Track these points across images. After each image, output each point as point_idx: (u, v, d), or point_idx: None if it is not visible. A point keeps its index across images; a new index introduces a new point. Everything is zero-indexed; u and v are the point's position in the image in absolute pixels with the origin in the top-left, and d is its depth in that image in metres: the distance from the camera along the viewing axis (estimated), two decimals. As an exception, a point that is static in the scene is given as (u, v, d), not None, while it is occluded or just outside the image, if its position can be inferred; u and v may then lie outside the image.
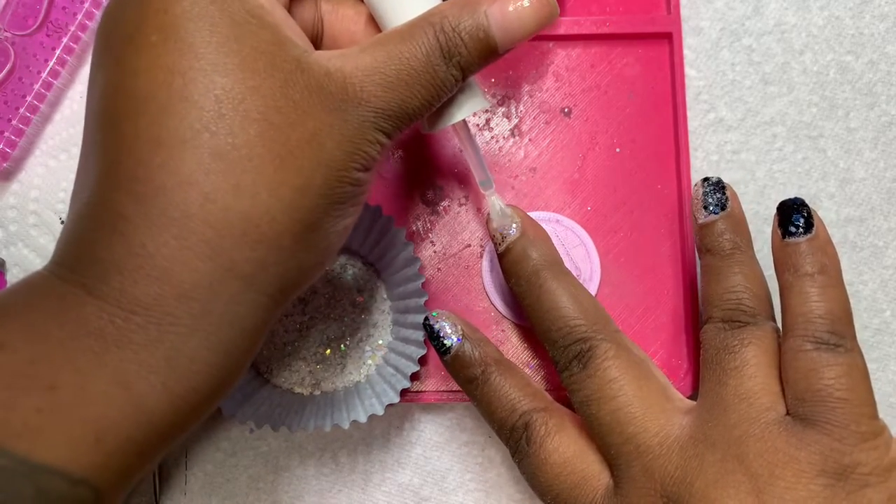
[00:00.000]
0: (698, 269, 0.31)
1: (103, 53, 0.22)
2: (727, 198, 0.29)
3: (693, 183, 0.31)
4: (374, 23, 0.26)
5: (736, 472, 0.24)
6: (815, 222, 0.27)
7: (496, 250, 0.30)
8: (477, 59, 0.24)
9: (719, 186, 0.29)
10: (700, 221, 0.29)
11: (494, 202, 0.30)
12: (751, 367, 0.26)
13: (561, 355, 0.28)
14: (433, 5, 0.24)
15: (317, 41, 0.27)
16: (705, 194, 0.29)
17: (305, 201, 0.21)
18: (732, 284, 0.28)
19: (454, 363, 0.30)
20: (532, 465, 0.28)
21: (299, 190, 0.21)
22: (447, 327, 0.30)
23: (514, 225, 0.30)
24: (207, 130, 0.20)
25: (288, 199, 0.21)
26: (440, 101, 0.24)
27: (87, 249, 0.20)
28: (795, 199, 0.28)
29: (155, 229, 0.20)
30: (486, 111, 0.36)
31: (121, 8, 0.22)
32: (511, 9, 0.23)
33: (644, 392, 0.27)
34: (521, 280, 0.29)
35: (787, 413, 0.26)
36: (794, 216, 0.27)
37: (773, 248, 0.28)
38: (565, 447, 0.28)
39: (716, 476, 0.24)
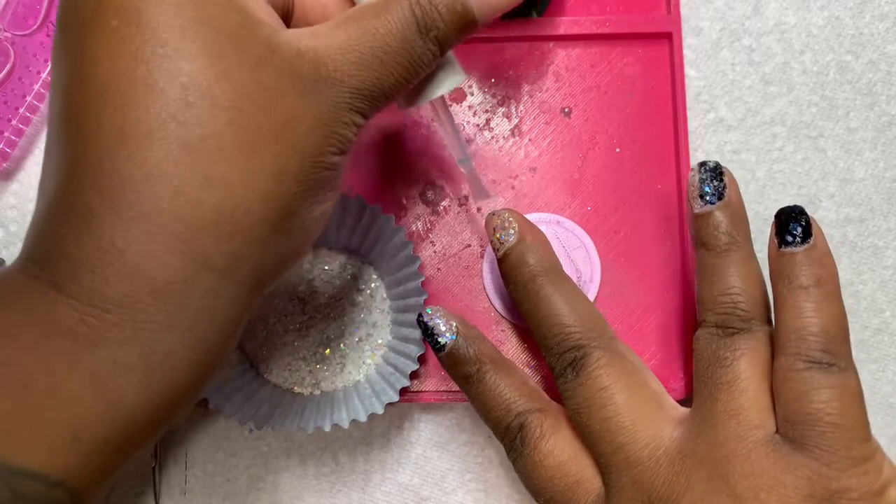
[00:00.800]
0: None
1: (63, 40, 0.21)
2: (725, 186, 0.27)
3: (693, 166, 0.29)
4: None
5: (721, 493, 0.24)
6: (814, 231, 0.26)
7: (495, 255, 0.30)
8: (455, 33, 0.23)
9: (717, 172, 0.27)
10: (696, 211, 0.28)
11: (474, 179, 0.30)
12: (742, 381, 0.26)
13: (556, 362, 0.28)
14: None
15: (287, 16, 0.25)
16: (702, 181, 0.27)
17: (281, 189, 0.20)
18: (727, 286, 0.27)
19: (449, 360, 0.29)
20: (526, 466, 0.28)
21: (273, 178, 0.20)
22: (441, 324, 0.29)
23: (511, 230, 0.29)
24: (174, 120, 0.19)
25: (262, 189, 0.20)
26: (418, 78, 0.23)
27: (55, 245, 0.20)
28: (794, 206, 0.26)
29: (124, 225, 0.19)
30: (486, 111, 0.36)
31: None
32: None
33: (635, 401, 0.27)
34: (519, 285, 0.29)
35: (777, 431, 0.25)
36: (791, 224, 0.26)
37: (769, 256, 0.27)
38: (560, 450, 0.27)
39: (702, 495, 0.24)
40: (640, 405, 0.27)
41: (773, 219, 0.27)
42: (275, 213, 0.21)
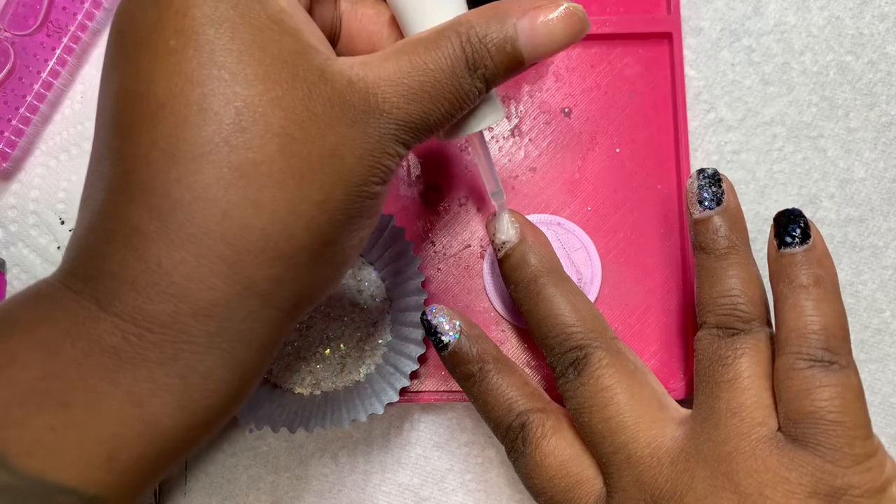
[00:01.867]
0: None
1: (118, 53, 0.21)
2: (723, 191, 0.28)
3: (692, 173, 0.30)
4: (394, 24, 0.25)
5: (725, 490, 0.24)
6: (812, 233, 0.26)
7: (496, 255, 0.30)
8: (502, 72, 0.23)
9: (715, 179, 0.28)
10: (695, 217, 0.28)
11: (503, 216, 0.30)
12: (744, 379, 0.26)
13: (557, 362, 0.28)
14: (460, 13, 0.23)
15: (334, 41, 0.26)
16: (700, 188, 0.28)
17: (324, 217, 0.21)
18: (727, 288, 0.27)
19: (451, 359, 0.29)
20: (527, 465, 0.28)
21: (318, 206, 0.20)
22: (444, 323, 0.29)
23: (513, 231, 0.30)
24: (227, 144, 0.19)
25: (307, 216, 0.20)
26: (462, 113, 0.23)
27: (99, 262, 0.20)
28: (793, 209, 0.27)
29: (172, 245, 0.19)
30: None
31: (137, 6, 0.21)
32: (541, 21, 0.22)
33: (637, 401, 0.27)
34: (520, 286, 0.29)
35: (779, 429, 0.25)
36: (790, 226, 0.26)
37: (768, 258, 0.27)
38: (561, 450, 0.28)
39: (705, 492, 0.24)
40: (642, 405, 0.27)
41: (771, 223, 0.27)
42: (317, 240, 0.21)
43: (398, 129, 0.22)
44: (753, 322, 0.27)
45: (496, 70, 0.23)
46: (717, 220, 0.28)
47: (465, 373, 0.29)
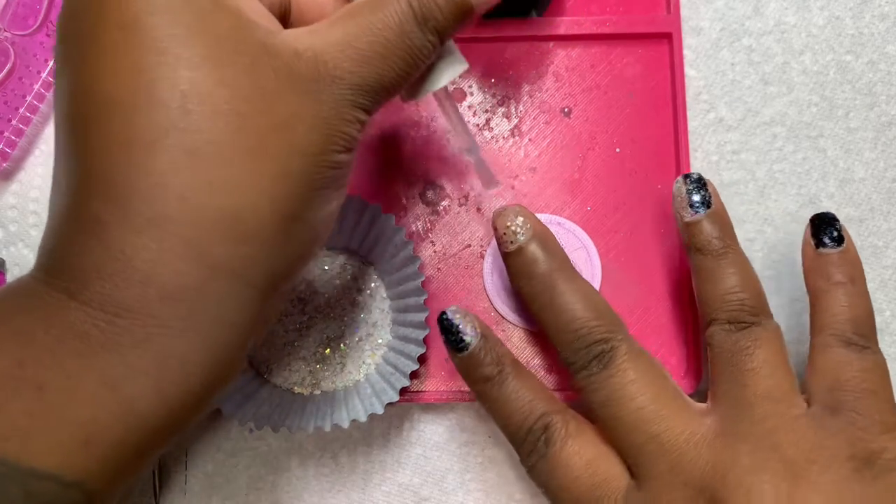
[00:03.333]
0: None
1: (65, 53, 0.21)
2: (710, 194, 0.29)
3: (677, 179, 0.31)
4: None
5: (770, 460, 0.25)
6: (846, 237, 0.29)
7: (504, 249, 0.30)
8: (453, 22, 0.23)
9: (701, 183, 0.29)
10: (686, 220, 0.29)
11: (482, 167, 0.29)
12: (769, 366, 0.27)
13: (577, 356, 0.28)
14: None
15: (284, 18, 0.25)
16: (689, 192, 0.29)
17: (285, 190, 0.21)
18: (731, 285, 0.28)
19: (470, 361, 0.29)
20: (550, 467, 0.27)
21: (276, 179, 0.20)
22: (467, 325, 0.29)
23: (526, 225, 0.29)
24: (175, 128, 0.19)
25: (267, 190, 0.20)
26: (418, 71, 0.23)
27: (66, 254, 0.20)
28: (829, 213, 0.29)
29: (133, 233, 0.19)
30: (486, 111, 0.36)
31: (79, 4, 0.21)
32: None
33: (663, 392, 0.27)
34: (534, 280, 0.29)
35: (809, 406, 0.27)
36: (828, 229, 0.29)
37: (805, 256, 0.29)
38: (586, 450, 0.27)
39: (751, 464, 0.25)
40: (668, 396, 0.27)
41: (807, 225, 0.30)
42: (279, 214, 0.21)
43: (353, 94, 0.22)
44: (761, 315, 0.28)
45: (446, 21, 0.23)
46: (710, 222, 0.29)
47: (483, 375, 0.29)
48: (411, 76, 0.23)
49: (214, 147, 0.20)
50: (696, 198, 0.29)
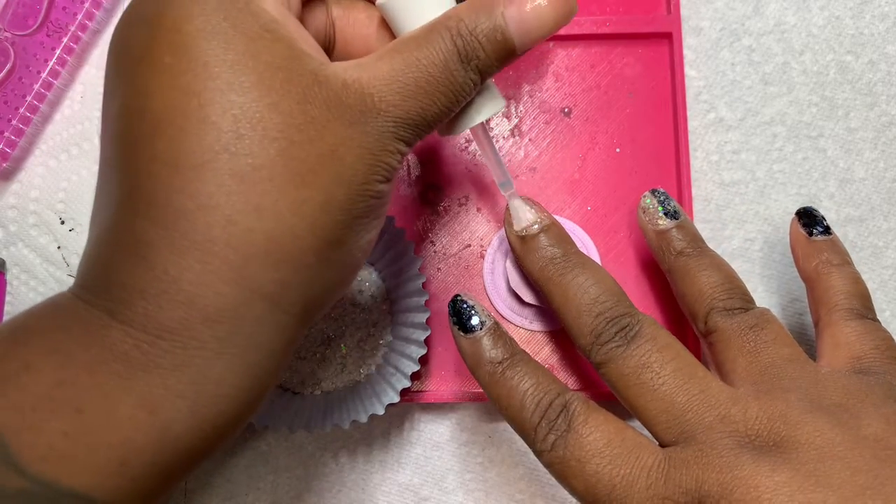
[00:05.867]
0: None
1: (116, 75, 0.21)
2: (677, 205, 0.32)
3: (644, 194, 0.32)
4: (386, 26, 0.26)
5: (823, 401, 0.25)
6: (831, 229, 0.31)
7: (521, 234, 0.30)
8: (495, 62, 0.23)
9: (667, 196, 0.32)
10: (662, 227, 0.31)
11: (517, 204, 0.30)
12: (782, 337, 0.28)
13: (606, 327, 0.27)
14: (447, 8, 0.24)
15: (329, 48, 0.26)
16: (661, 203, 0.31)
17: (328, 218, 0.21)
18: (718, 279, 0.29)
19: (480, 343, 0.28)
20: (575, 442, 0.26)
21: (321, 207, 0.21)
22: (479, 308, 0.29)
23: (543, 213, 0.30)
24: (226, 151, 0.20)
25: (311, 218, 0.21)
26: (459, 107, 0.24)
27: (108, 273, 0.20)
28: (813, 211, 0.32)
29: (178, 254, 0.19)
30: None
31: (131, 28, 0.21)
32: (528, 8, 0.23)
33: (694, 361, 0.27)
34: (556, 260, 0.29)
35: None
36: (817, 221, 0.31)
37: (798, 244, 0.31)
38: (609, 423, 0.26)
39: (808, 406, 0.25)
40: (699, 364, 0.27)
41: (795, 216, 0.32)
42: (322, 242, 0.21)
43: (397, 127, 0.22)
44: (751, 302, 0.29)
45: (489, 60, 0.23)
46: (685, 228, 0.31)
47: (493, 358, 0.28)
48: (452, 111, 0.24)
49: (265, 173, 0.20)
50: (669, 207, 0.31)
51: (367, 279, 0.34)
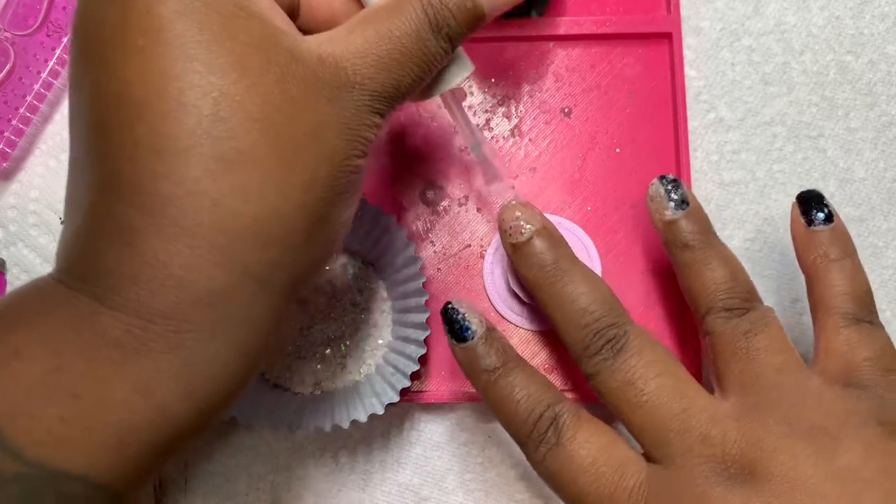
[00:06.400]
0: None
1: (86, 57, 0.21)
2: (687, 193, 0.30)
3: (652, 181, 0.31)
4: None
5: (803, 423, 0.25)
6: (834, 214, 0.29)
7: (512, 240, 0.29)
8: (465, 29, 0.23)
9: (677, 182, 0.30)
10: (668, 218, 0.30)
11: (487, 163, 0.30)
12: (777, 343, 0.27)
13: (590, 342, 0.28)
14: None
15: (294, 16, 0.25)
16: (668, 191, 0.30)
17: (313, 196, 0.21)
18: (724, 275, 0.29)
19: (473, 352, 0.28)
20: (563, 455, 0.27)
21: (306, 186, 0.21)
22: (472, 316, 0.29)
23: (537, 217, 0.29)
24: (209, 135, 0.19)
25: (296, 197, 0.21)
26: (431, 75, 0.24)
27: (94, 260, 0.20)
28: (815, 192, 0.30)
29: (167, 240, 0.19)
30: (486, 111, 0.36)
31: (98, 8, 0.20)
32: None
33: (681, 374, 0.27)
34: (547, 267, 0.29)
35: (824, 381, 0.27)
36: (817, 206, 0.29)
37: (797, 234, 0.30)
38: (598, 436, 0.27)
39: (786, 430, 0.25)
40: (686, 378, 0.27)
41: (794, 203, 0.30)
42: (307, 220, 0.21)
43: (372, 100, 0.22)
44: (754, 301, 0.29)
45: (459, 28, 0.23)
46: (692, 218, 0.30)
47: (486, 366, 0.28)
48: (424, 81, 0.24)
49: (250, 155, 0.20)
50: (676, 196, 0.30)
51: (367, 279, 0.34)
